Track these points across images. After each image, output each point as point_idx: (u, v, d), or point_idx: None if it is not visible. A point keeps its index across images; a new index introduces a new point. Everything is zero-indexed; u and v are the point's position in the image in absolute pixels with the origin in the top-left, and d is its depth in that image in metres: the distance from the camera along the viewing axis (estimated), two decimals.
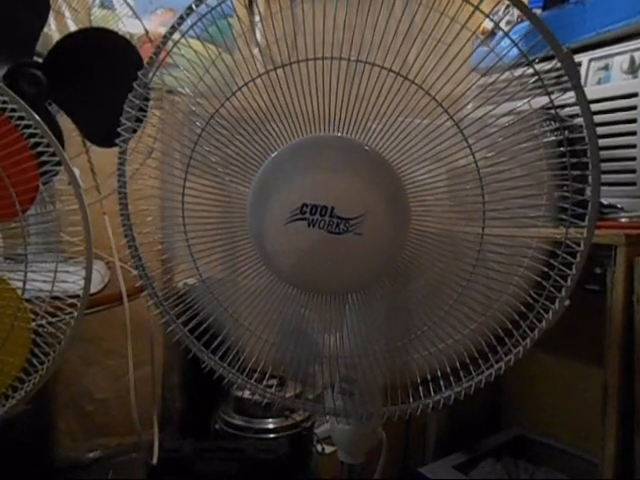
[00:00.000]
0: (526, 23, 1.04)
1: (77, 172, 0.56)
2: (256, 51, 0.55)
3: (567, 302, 0.46)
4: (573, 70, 0.43)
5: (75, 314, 0.60)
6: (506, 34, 0.50)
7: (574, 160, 0.48)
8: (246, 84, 0.51)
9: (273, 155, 0.50)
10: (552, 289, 0.47)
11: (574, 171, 0.46)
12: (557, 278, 0.46)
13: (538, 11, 1.00)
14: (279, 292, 0.53)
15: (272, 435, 1.28)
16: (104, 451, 1.57)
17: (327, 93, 0.46)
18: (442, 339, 0.49)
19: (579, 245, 0.46)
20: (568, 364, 1.20)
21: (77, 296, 0.61)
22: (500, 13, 1.09)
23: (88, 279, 0.61)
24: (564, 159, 0.46)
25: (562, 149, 0.47)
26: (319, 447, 1.44)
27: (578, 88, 0.44)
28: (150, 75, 0.60)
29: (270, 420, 1.29)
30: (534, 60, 0.51)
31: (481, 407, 1.33)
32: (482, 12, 0.45)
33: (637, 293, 0.61)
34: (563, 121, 0.48)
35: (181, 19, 0.54)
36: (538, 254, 0.47)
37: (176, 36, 0.56)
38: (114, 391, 1.56)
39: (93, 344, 1.54)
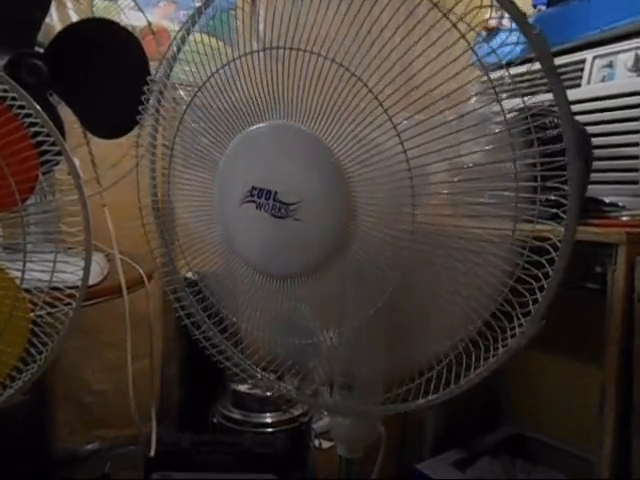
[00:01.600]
0: (531, 19, 1.04)
1: (77, 162, 0.56)
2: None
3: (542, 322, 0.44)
4: (545, 52, 0.42)
5: (74, 305, 0.60)
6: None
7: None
8: (212, 75, 0.52)
9: (232, 142, 0.53)
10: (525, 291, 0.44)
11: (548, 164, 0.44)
12: (526, 277, 0.44)
13: (543, 8, 0.99)
14: (250, 280, 0.54)
15: (270, 429, 1.28)
16: (102, 443, 1.57)
17: (278, 81, 0.48)
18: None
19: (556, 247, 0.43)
20: (567, 363, 1.20)
21: (76, 287, 0.61)
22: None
23: (87, 270, 0.60)
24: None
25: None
26: (317, 442, 1.44)
27: (552, 72, 0.43)
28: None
29: (268, 414, 1.29)
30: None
31: (479, 405, 1.33)
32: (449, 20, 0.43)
33: (637, 292, 0.60)
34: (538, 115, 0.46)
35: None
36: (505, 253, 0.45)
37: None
38: (113, 383, 1.56)
39: (92, 336, 1.54)
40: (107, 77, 0.84)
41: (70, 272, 0.61)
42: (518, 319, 0.43)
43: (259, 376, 0.56)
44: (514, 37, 1.05)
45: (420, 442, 1.26)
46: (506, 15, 1.10)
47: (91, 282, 0.79)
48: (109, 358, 1.54)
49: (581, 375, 1.15)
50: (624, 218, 0.77)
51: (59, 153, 0.60)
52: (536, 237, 0.44)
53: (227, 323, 0.59)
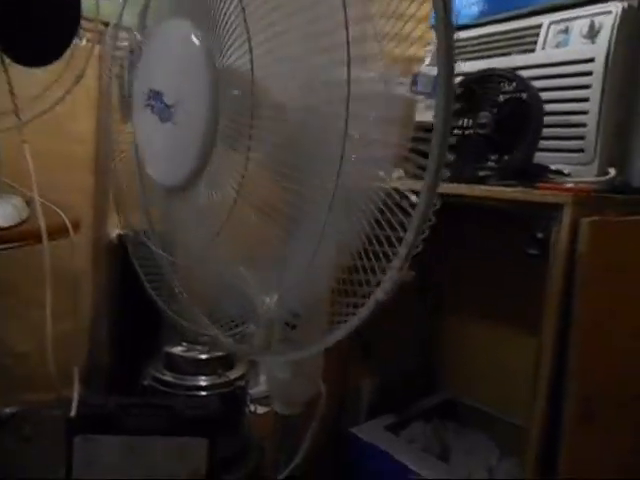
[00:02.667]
0: None
1: None
2: None
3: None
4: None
5: None
6: None
7: None
8: None
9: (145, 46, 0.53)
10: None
11: None
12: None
13: None
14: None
15: (204, 393, 1.24)
16: (23, 407, 1.48)
17: None
18: None
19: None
20: (501, 330, 1.23)
21: None
22: None
23: None
24: None
25: None
26: (252, 407, 1.42)
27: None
28: None
29: (202, 377, 1.25)
30: None
31: (414, 371, 1.35)
32: None
33: (579, 252, 0.60)
34: None
35: None
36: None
37: None
38: (35, 344, 1.46)
39: (12, 294, 1.43)
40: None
41: None
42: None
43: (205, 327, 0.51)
44: None
45: (356, 407, 1.27)
46: None
47: (4, 224, 0.72)
48: (32, 317, 1.44)
49: (513, 343, 1.18)
50: (568, 185, 0.77)
51: None
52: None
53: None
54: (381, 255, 0.40)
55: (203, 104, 0.42)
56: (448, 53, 0.36)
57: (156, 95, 0.46)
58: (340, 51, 0.39)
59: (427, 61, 1.03)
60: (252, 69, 0.40)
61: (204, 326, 0.52)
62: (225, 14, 0.42)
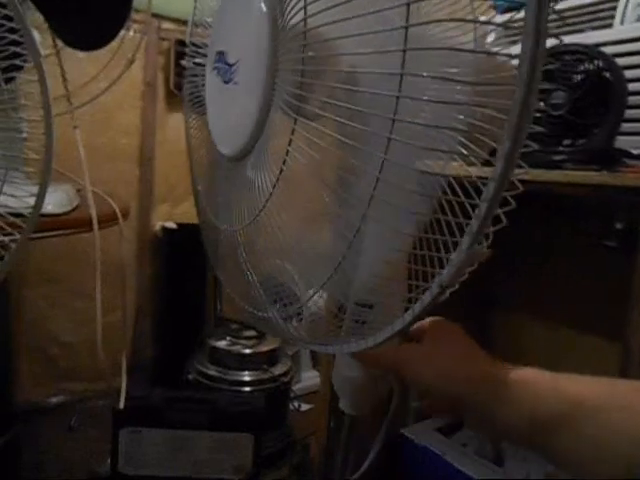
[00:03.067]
0: None
1: (37, 37, 0.46)
2: None
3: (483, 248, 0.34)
4: None
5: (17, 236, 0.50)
6: None
7: None
8: None
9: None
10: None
11: None
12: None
13: None
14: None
15: (247, 388, 1.22)
16: (68, 397, 1.50)
17: None
18: None
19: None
20: (560, 332, 1.15)
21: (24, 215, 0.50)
22: None
23: (42, 195, 0.50)
24: None
25: None
26: (296, 404, 1.39)
27: None
28: None
29: (246, 372, 1.23)
30: None
31: None
32: None
33: None
34: None
35: None
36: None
37: None
38: (82, 335, 1.47)
39: (61, 285, 1.45)
40: None
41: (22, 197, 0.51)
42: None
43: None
44: None
45: (404, 408, 1.22)
46: None
47: (57, 211, 0.70)
48: (79, 309, 1.46)
49: (579, 345, 1.11)
50: None
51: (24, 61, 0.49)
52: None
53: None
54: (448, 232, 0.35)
55: (262, 60, 0.38)
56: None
57: (221, 56, 0.44)
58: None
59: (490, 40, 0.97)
60: (305, 23, 0.36)
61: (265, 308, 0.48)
62: None
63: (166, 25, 1.47)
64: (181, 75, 1.49)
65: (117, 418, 1.02)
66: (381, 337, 0.39)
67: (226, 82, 0.42)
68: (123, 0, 0.78)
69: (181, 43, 1.47)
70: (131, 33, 0.96)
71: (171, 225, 1.50)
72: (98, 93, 0.80)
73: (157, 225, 1.54)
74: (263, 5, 0.40)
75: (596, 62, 0.70)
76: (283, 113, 0.39)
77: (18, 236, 0.50)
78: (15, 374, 1.40)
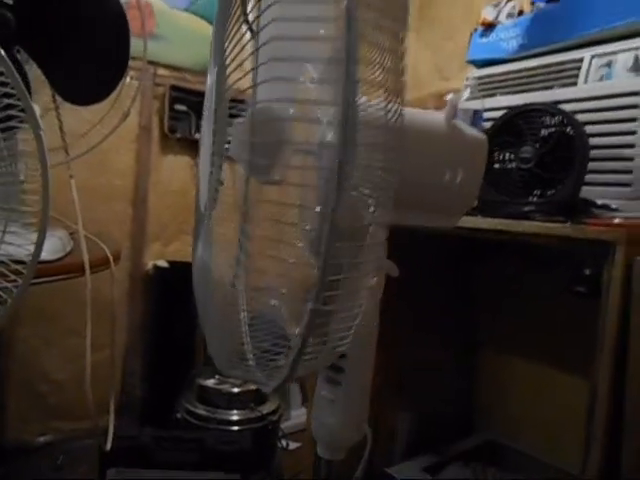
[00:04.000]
0: (528, 16, 1.01)
1: (37, 110, 0.50)
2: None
3: None
4: None
5: (20, 281, 0.53)
6: None
7: None
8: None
9: None
10: None
11: None
12: None
13: (541, 4, 0.97)
14: None
15: (236, 427, 1.23)
16: (57, 435, 1.49)
17: None
18: None
19: None
20: (545, 370, 1.18)
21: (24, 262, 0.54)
22: (502, 5, 1.06)
23: (40, 243, 0.54)
24: None
25: None
26: (284, 442, 1.39)
27: None
28: None
29: (235, 411, 1.24)
30: None
31: (453, 410, 1.30)
32: None
33: (635, 294, 0.57)
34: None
35: None
36: None
37: None
38: (72, 373, 1.48)
39: (53, 323, 1.46)
40: (82, 38, 0.78)
41: (21, 245, 0.54)
42: None
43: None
44: (511, 32, 1.03)
45: (391, 446, 1.23)
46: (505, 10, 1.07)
47: (51, 257, 0.73)
48: (69, 346, 1.47)
49: (561, 383, 1.13)
50: (616, 220, 0.74)
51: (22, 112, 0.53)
52: None
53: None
54: None
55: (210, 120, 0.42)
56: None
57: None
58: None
59: (465, 95, 1.03)
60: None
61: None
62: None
63: (161, 71, 1.53)
64: (175, 119, 1.55)
65: (104, 459, 1.03)
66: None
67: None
68: (120, 56, 0.83)
69: (175, 88, 1.53)
70: (128, 79, 1.01)
71: (163, 263, 1.53)
72: (93, 145, 0.84)
73: (149, 263, 1.57)
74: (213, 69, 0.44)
75: (558, 119, 0.75)
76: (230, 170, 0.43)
77: (19, 282, 0.53)
78: (3, 412, 1.40)
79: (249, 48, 0.42)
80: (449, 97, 0.47)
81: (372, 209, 0.37)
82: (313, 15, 0.32)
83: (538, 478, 1.13)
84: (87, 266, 0.74)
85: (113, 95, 0.86)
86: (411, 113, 0.43)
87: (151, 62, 1.46)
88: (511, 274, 1.17)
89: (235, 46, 0.42)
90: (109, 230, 1.46)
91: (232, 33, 0.43)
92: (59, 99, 0.81)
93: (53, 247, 0.73)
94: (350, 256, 0.36)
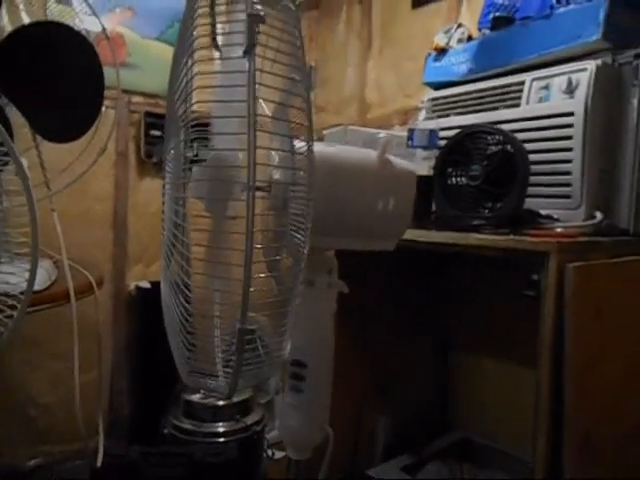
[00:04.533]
0: (475, 42, 1.10)
1: (25, 163, 0.55)
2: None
3: None
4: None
5: (15, 314, 0.58)
6: None
7: None
8: None
9: None
10: None
11: None
12: None
13: (487, 31, 1.05)
14: None
15: (222, 439, 1.27)
16: (47, 458, 1.52)
17: None
18: None
19: None
20: (510, 369, 1.25)
21: (19, 294, 0.59)
22: (452, 31, 1.14)
23: (32, 276, 0.59)
24: None
25: None
26: (270, 452, 1.44)
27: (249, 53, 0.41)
28: None
29: (220, 424, 1.29)
30: None
31: (428, 412, 1.37)
32: None
33: (567, 298, 0.64)
34: None
35: None
36: None
37: None
38: (58, 396, 1.51)
39: (38, 347, 1.49)
40: (58, 80, 0.83)
41: (14, 282, 0.60)
42: None
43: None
44: (461, 57, 1.11)
45: (372, 449, 1.28)
46: (455, 36, 1.14)
47: (38, 288, 0.78)
48: (55, 370, 1.50)
49: (522, 380, 1.20)
50: (557, 229, 0.82)
51: (6, 155, 0.59)
52: None
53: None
54: None
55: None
56: None
57: None
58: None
59: (422, 116, 1.10)
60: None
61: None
62: None
63: (135, 99, 1.59)
64: (151, 144, 1.60)
65: (95, 477, 1.06)
66: None
67: None
68: (95, 96, 0.89)
69: (150, 114, 1.58)
70: (104, 109, 1.06)
71: (145, 284, 1.58)
72: (72, 181, 0.89)
73: (132, 285, 1.61)
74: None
75: (499, 138, 0.82)
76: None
77: (15, 314, 0.58)
78: None
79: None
80: (381, 136, 0.53)
81: (299, 236, 0.44)
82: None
83: (507, 470, 1.20)
84: (72, 294, 0.79)
85: (91, 130, 0.92)
86: (346, 152, 0.50)
87: (125, 91, 1.52)
88: (473, 280, 1.24)
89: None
90: (91, 254, 1.50)
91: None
92: (39, 138, 0.87)
93: (40, 278, 0.78)
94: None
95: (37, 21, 0.85)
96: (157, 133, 1.58)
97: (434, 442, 1.30)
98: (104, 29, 0.96)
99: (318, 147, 0.48)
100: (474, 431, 1.33)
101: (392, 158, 0.55)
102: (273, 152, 0.46)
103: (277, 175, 0.45)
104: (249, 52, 0.38)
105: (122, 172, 1.58)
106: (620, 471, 0.74)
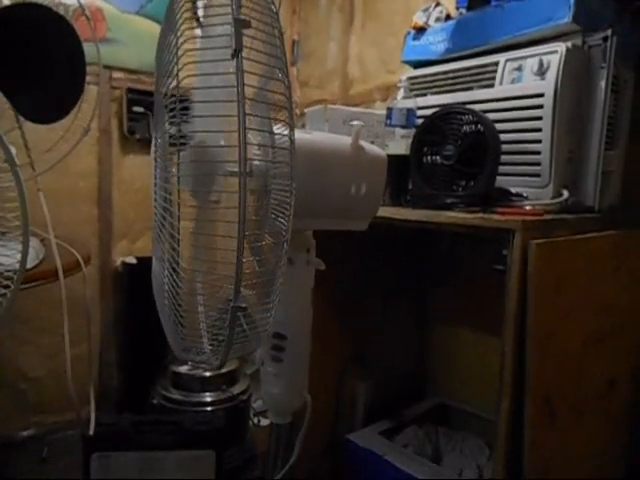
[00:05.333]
0: (453, 21, 1.11)
1: (14, 150, 0.57)
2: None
3: None
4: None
5: (9, 291, 0.61)
6: None
7: None
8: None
9: None
10: None
11: None
12: None
13: (463, 11, 1.07)
14: None
15: (209, 408, 1.33)
16: (39, 429, 1.57)
17: None
18: None
19: None
20: (483, 339, 1.31)
21: (12, 271, 0.62)
22: (430, 9, 1.16)
23: (25, 254, 0.62)
24: None
25: None
26: (255, 419, 1.50)
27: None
28: None
29: (207, 394, 1.34)
30: None
31: (406, 379, 1.43)
32: None
33: (529, 273, 0.69)
34: None
35: None
36: None
37: None
38: (48, 369, 1.55)
39: (27, 323, 1.52)
40: (40, 61, 0.84)
41: (6, 259, 0.63)
42: None
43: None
44: (439, 36, 1.13)
45: (352, 415, 1.35)
46: (433, 15, 1.16)
47: (28, 266, 0.80)
48: (44, 344, 1.54)
49: (493, 348, 1.26)
50: (527, 207, 0.86)
51: None
52: None
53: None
54: None
55: None
56: None
57: None
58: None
59: (400, 94, 1.13)
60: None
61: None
62: None
63: (117, 75, 1.58)
64: (134, 120, 1.61)
65: (87, 444, 1.10)
66: None
67: None
68: (77, 77, 0.90)
69: (132, 91, 1.58)
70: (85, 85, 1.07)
71: (131, 260, 1.60)
72: (55, 162, 0.91)
73: (118, 260, 1.64)
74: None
75: (471, 118, 0.85)
76: None
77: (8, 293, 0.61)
78: None
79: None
80: (354, 123, 0.56)
81: (283, 221, 0.47)
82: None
83: (480, 432, 1.27)
84: (61, 272, 0.82)
85: (74, 110, 0.93)
86: (322, 138, 0.53)
87: (106, 66, 1.51)
88: (449, 254, 1.29)
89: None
90: (76, 230, 1.52)
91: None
92: (22, 118, 0.88)
93: (28, 257, 0.81)
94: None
95: (17, 2, 0.86)
96: (140, 109, 1.59)
97: (412, 407, 1.36)
98: (81, 5, 0.96)
99: (296, 134, 0.51)
100: (449, 397, 1.40)
101: (364, 144, 0.58)
102: (252, 139, 0.49)
103: (257, 162, 0.48)
104: (237, 55, 0.41)
105: (105, 149, 1.59)
106: (576, 430, 0.80)
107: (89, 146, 1.56)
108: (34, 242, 0.90)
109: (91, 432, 1.04)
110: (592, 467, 0.86)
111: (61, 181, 1.51)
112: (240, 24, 0.40)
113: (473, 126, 0.87)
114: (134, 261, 1.60)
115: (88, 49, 0.93)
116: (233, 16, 0.40)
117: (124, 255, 1.64)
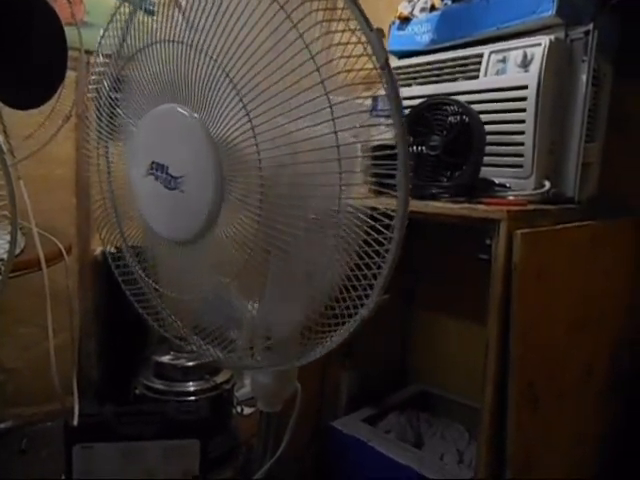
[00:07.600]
0: (438, 12, 1.12)
1: (2, 139, 0.56)
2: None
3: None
4: (379, 48, 0.46)
5: None
6: None
7: None
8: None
9: (142, 119, 0.59)
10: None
11: None
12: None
13: (448, 2, 1.07)
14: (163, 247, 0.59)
15: (193, 397, 1.32)
16: (17, 421, 1.54)
17: (174, 71, 0.55)
18: None
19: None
20: (467, 326, 1.34)
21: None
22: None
23: (13, 243, 0.61)
24: None
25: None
26: (239, 408, 1.51)
27: (385, 69, 0.46)
28: None
29: (191, 383, 1.34)
30: None
31: (389, 366, 1.45)
32: None
33: (514, 262, 0.71)
34: None
35: None
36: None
37: None
38: (26, 361, 1.52)
39: (4, 314, 1.49)
40: (20, 46, 0.82)
41: None
42: (365, 290, 0.50)
43: (191, 340, 0.60)
44: (423, 27, 1.13)
45: (336, 403, 1.36)
46: (418, 5, 1.17)
47: (4, 256, 0.79)
48: (21, 335, 1.51)
49: (477, 336, 1.29)
50: (510, 197, 0.88)
51: None
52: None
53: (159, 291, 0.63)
54: (362, 276, 0.51)
55: (210, 177, 0.51)
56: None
57: (160, 167, 0.55)
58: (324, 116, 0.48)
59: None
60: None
61: (189, 340, 0.61)
62: (220, 99, 0.51)
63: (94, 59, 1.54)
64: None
65: (69, 435, 1.09)
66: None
67: (170, 189, 0.54)
68: (58, 63, 0.88)
69: None
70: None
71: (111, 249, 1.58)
72: (36, 149, 0.89)
73: (97, 250, 1.61)
74: (198, 123, 0.52)
75: (456, 108, 0.86)
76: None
77: None
78: None
79: None
80: None
81: None
82: None
83: (462, 419, 1.30)
84: (43, 262, 0.81)
85: (55, 96, 0.91)
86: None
87: (87, 51, 1.47)
88: (434, 242, 1.31)
89: None
90: (54, 219, 1.49)
91: None
92: (0, 104, 0.85)
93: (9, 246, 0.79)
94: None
95: None
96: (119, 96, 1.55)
97: (394, 395, 1.38)
98: None
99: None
100: (432, 384, 1.43)
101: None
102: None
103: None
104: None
105: (83, 135, 1.55)
106: (557, 414, 0.83)
107: (66, 132, 1.51)
108: None
109: (75, 422, 1.03)
110: (571, 447, 0.89)
111: (38, 169, 1.47)
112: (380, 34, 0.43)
113: (459, 117, 0.88)
114: (114, 250, 1.57)
115: (67, 32, 0.91)
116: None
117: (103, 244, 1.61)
